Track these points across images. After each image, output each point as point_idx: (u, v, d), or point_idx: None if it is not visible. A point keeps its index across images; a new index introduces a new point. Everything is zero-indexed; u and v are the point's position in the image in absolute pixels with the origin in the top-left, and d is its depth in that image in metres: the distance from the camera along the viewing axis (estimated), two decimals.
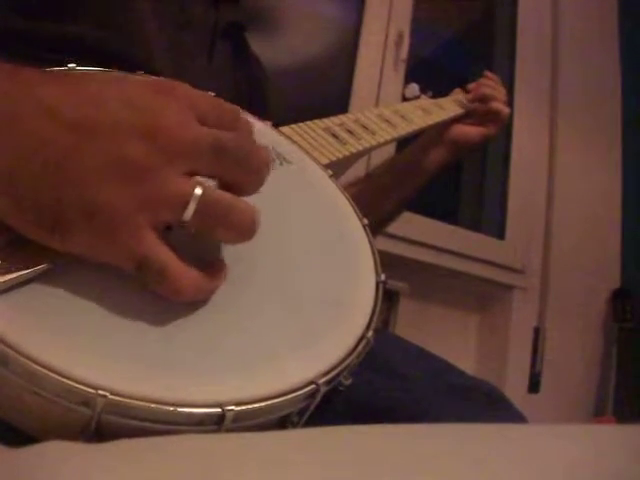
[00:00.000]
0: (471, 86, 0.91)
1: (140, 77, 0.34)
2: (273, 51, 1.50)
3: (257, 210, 0.32)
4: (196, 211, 0.30)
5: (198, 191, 0.30)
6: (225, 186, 0.33)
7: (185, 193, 0.30)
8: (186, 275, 0.31)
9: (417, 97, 0.86)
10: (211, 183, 0.32)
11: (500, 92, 0.90)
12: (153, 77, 0.44)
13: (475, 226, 1.80)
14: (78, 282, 0.30)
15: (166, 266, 0.30)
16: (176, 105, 0.32)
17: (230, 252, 0.35)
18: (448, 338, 1.62)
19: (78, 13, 0.49)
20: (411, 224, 1.47)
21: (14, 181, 0.28)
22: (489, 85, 0.90)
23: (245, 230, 0.32)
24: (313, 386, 0.32)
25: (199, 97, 0.34)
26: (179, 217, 0.30)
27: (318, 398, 0.32)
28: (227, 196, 0.32)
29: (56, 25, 0.48)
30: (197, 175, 0.31)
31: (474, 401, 0.53)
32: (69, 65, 0.39)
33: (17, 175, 0.28)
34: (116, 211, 0.29)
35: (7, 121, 0.29)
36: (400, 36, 1.68)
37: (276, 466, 0.23)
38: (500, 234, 1.77)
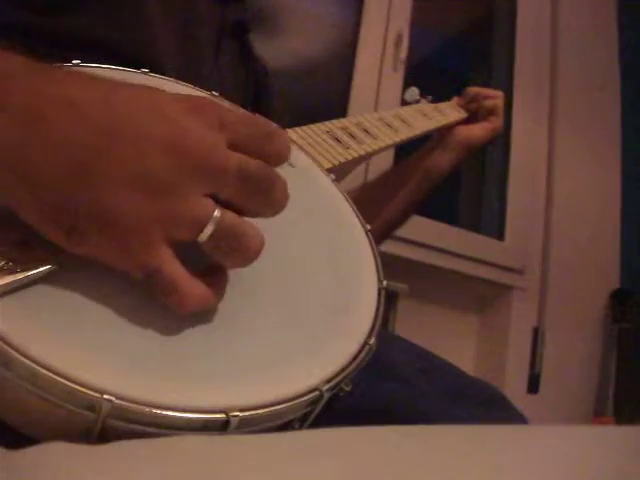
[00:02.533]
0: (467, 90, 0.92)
1: (172, 92, 0.33)
2: (273, 52, 1.50)
3: (263, 237, 0.32)
4: (212, 234, 0.30)
5: (217, 214, 0.30)
6: (240, 209, 0.32)
7: (204, 215, 0.30)
8: (194, 291, 0.31)
9: (417, 101, 0.86)
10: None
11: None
12: (182, 88, 0.44)
13: (474, 227, 1.80)
14: (84, 285, 0.30)
15: (176, 281, 0.30)
16: (206, 125, 0.31)
17: None
18: (448, 338, 1.62)
19: (86, 9, 0.49)
20: (411, 224, 1.46)
21: (37, 178, 0.28)
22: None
23: (250, 257, 0.32)
24: (317, 392, 0.32)
25: (231, 117, 0.33)
26: (194, 237, 0.30)
27: (321, 404, 0.33)
28: (241, 222, 0.31)
29: (63, 21, 0.48)
30: (217, 197, 0.31)
31: (474, 401, 0.53)
32: (74, 61, 0.39)
33: (40, 172, 0.28)
34: (132, 222, 0.29)
35: (35, 118, 0.28)
36: (399, 36, 1.68)
37: (274, 468, 0.23)
38: (499, 235, 1.77)
